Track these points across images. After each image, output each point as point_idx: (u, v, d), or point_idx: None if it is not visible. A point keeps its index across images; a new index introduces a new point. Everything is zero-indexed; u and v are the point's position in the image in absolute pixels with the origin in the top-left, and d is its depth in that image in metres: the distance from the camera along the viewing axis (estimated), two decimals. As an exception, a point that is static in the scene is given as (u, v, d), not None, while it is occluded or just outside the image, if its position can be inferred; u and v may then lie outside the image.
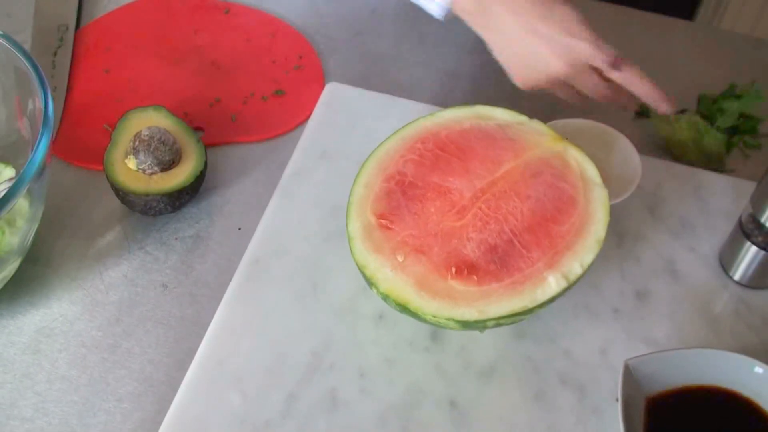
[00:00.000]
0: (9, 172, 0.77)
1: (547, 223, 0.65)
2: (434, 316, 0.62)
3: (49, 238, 0.77)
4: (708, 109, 0.89)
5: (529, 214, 0.66)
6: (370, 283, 0.65)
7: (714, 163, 0.85)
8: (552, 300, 0.63)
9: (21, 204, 0.69)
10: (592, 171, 0.68)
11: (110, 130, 0.81)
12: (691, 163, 0.85)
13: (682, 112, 0.89)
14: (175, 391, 0.66)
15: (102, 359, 0.69)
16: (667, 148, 0.87)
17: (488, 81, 0.93)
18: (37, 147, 0.65)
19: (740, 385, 0.63)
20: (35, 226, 0.71)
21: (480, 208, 0.66)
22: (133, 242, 0.77)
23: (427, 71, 0.93)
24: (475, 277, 0.63)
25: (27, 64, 0.70)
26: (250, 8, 1.00)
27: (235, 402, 0.65)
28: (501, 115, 0.72)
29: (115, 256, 0.76)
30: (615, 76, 0.73)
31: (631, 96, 0.76)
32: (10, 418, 0.65)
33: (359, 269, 0.65)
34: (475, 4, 0.74)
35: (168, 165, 0.77)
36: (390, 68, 0.95)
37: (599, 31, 0.99)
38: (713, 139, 0.85)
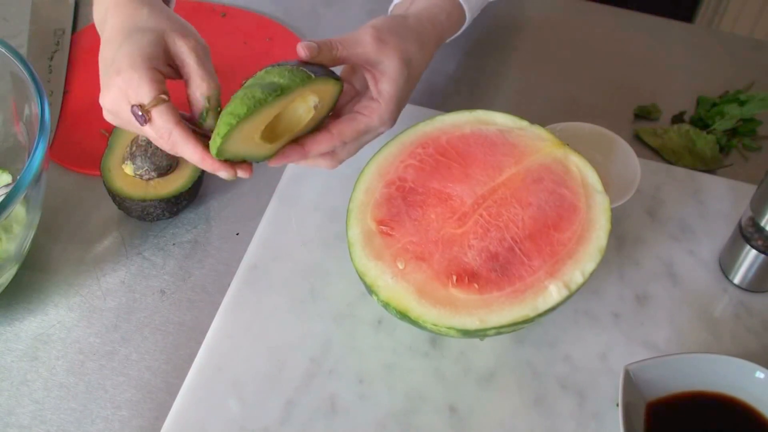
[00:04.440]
0: (6, 177, 0.76)
1: (548, 231, 0.65)
2: (435, 325, 0.62)
3: (46, 244, 0.76)
4: (706, 111, 0.89)
5: (530, 222, 0.65)
6: (370, 290, 0.64)
7: (710, 165, 0.85)
8: (553, 309, 0.62)
9: (18, 210, 0.69)
10: (593, 177, 0.68)
11: (107, 135, 0.81)
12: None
13: (678, 120, 0.89)
14: (173, 397, 0.66)
15: (100, 366, 0.69)
16: (661, 156, 0.86)
17: (488, 85, 0.93)
18: (34, 153, 0.65)
19: (741, 390, 0.63)
20: (32, 233, 0.71)
21: (481, 215, 0.66)
22: (131, 248, 0.76)
23: (426, 75, 0.93)
24: (476, 285, 0.63)
25: (23, 70, 0.70)
26: (247, 11, 1.00)
27: (234, 408, 0.65)
28: (502, 119, 0.71)
29: (113, 262, 0.75)
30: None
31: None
32: (8, 426, 0.65)
33: (359, 276, 0.65)
34: None
35: (165, 170, 0.76)
36: (388, 71, 0.95)
37: (598, 33, 1.00)
38: (706, 144, 0.85)
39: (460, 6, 0.76)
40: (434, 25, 0.73)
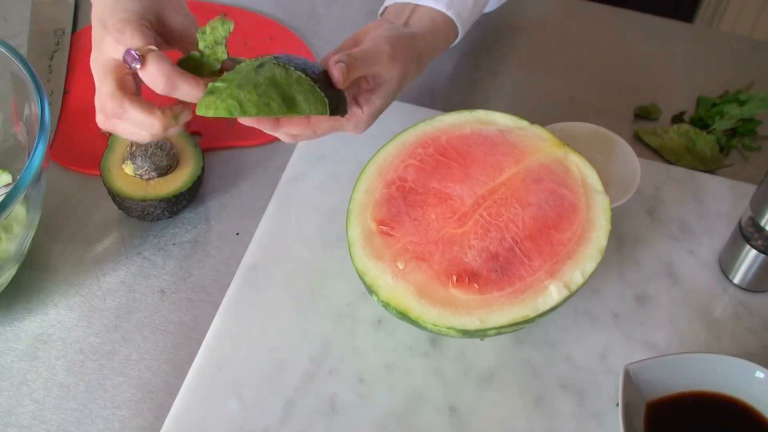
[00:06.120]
0: (6, 177, 0.76)
1: (548, 231, 0.65)
2: (435, 325, 0.62)
3: (46, 244, 0.76)
4: (706, 111, 0.89)
5: (530, 222, 0.66)
6: (370, 290, 0.64)
7: (710, 165, 0.85)
8: (553, 309, 0.62)
9: (18, 210, 0.69)
10: (593, 177, 0.68)
11: (107, 134, 0.81)
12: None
13: (678, 120, 0.89)
14: (173, 397, 0.66)
15: (100, 366, 0.69)
16: (661, 156, 0.86)
17: (487, 84, 0.93)
18: (34, 153, 0.65)
19: (741, 390, 0.63)
20: (32, 233, 0.71)
21: (481, 215, 0.66)
22: (131, 248, 0.76)
23: (425, 75, 0.93)
24: (476, 286, 0.63)
25: (23, 70, 0.70)
26: (247, 11, 1.00)
27: (234, 408, 0.65)
28: (501, 119, 0.71)
29: (113, 262, 0.75)
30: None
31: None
32: (8, 426, 0.65)
33: (359, 276, 0.65)
34: None
35: (165, 170, 0.76)
36: (388, 71, 0.95)
37: (598, 33, 1.00)
38: (706, 144, 0.85)
39: (454, 26, 0.77)
40: (433, 48, 0.75)
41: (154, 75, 0.60)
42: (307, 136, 0.68)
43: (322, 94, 0.62)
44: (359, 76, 0.66)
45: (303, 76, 0.62)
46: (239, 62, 0.63)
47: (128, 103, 0.62)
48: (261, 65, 0.62)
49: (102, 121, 0.64)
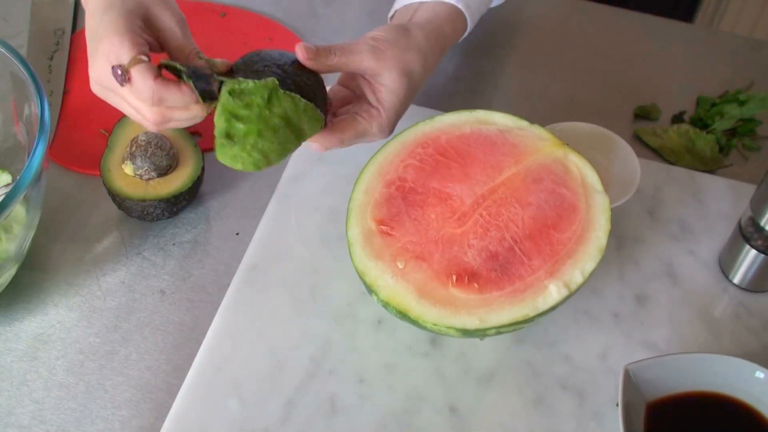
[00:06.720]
0: (5, 177, 0.76)
1: (548, 231, 0.65)
2: (435, 325, 0.62)
3: (46, 244, 0.76)
4: (706, 111, 0.89)
5: (530, 221, 0.66)
6: (370, 290, 0.64)
7: (710, 165, 0.85)
8: (553, 308, 0.62)
9: (18, 210, 0.69)
10: (593, 177, 0.68)
11: (107, 134, 0.81)
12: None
13: (677, 120, 0.89)
14: (173, 398, 0.66)
15: (100, 366, 0.69)
16: (661, 156, 0.86)
17: (488, 85, 0.93)
18: (34, 153, 0.65)
19: (741, 390, 0.63)
20: (32, 233, 0.71)
21: (481, 215, 0.66)
22: (131, 248, 0.77)
23: (425, 74, 0.93)
24: (476, 285, 0.63)
25: (23, 70, 0.70)
26: (247, 11, 1.00)
27: (234, 408, 0.65)
28: (501, 119, 0.71)
29: (113, 262, 0.75)
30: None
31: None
32: (8, 426, 0.65)
33: (359, 276, 0.65)
34: None
35: (165, 170, 0.76)
36: (388, 71, 0.94)
37: (598, 33, 1.00)
38: (705, 144, 0.85)
39: (462, 15, 0.77)
40: (437, 37, 0.73)
41: (140, 90, 0.60)
42: (334, 147, 0.69)
43: (319, 111, 0.63)
44: (343, 68, 0.66)
45: (308, 104, 0.62)
46: (212, 63, 0.63)
47: (169, 110, 0.62)
48: (270, 98, 0.61)
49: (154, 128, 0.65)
